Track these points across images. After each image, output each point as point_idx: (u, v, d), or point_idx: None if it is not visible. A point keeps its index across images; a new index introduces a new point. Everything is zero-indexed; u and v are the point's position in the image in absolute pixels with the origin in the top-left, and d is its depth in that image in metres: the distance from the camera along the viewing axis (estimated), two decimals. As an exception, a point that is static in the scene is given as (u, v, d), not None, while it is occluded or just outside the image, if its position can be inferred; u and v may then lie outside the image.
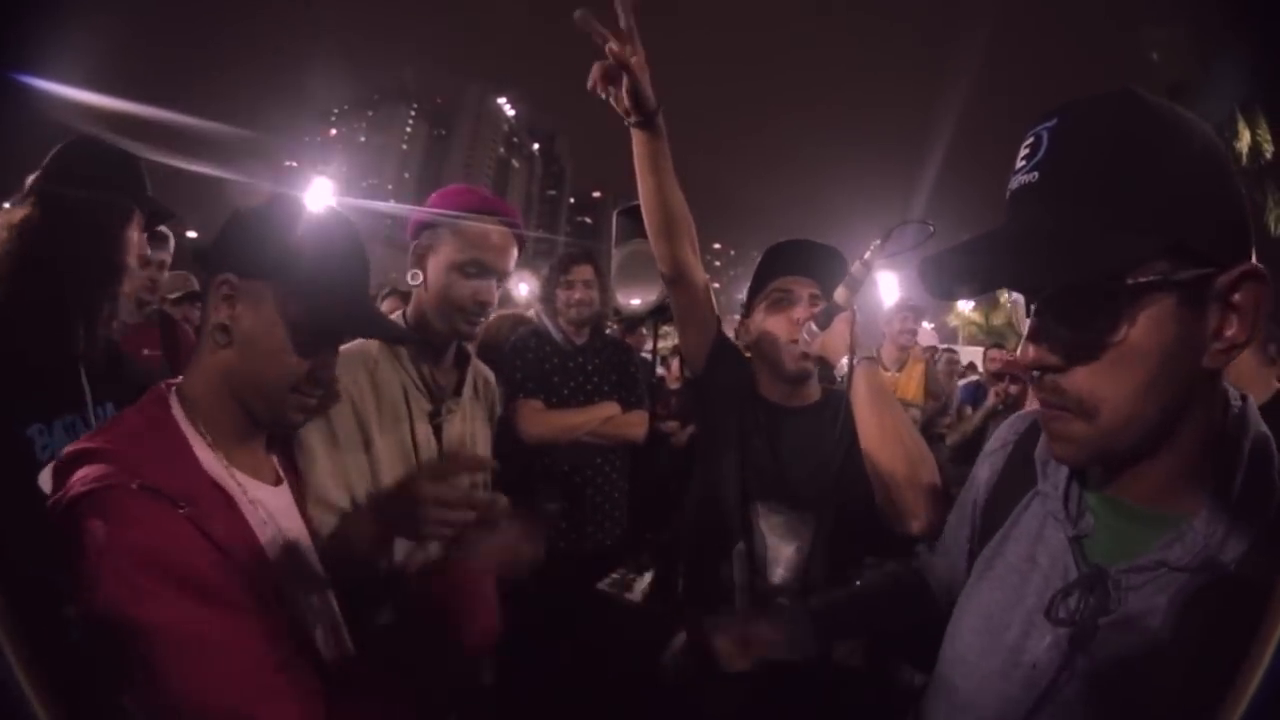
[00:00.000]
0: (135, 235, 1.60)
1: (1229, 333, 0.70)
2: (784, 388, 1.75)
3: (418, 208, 1.71)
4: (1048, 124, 0.75)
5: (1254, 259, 0.71)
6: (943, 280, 0.75)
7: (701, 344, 1.80)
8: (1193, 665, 0.71)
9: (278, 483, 1.19)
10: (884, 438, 1.47)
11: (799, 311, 1.66)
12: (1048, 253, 0.71)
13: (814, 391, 1.76)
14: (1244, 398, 0.79)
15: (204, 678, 0.84)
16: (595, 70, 1.39)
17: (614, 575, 2.83)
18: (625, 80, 1.40)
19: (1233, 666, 0.68)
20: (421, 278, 1.67)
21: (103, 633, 0.83)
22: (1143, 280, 0.68)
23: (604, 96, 1.44)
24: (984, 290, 0.83)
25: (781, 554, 1.64)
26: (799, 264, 1.74)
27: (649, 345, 4.80)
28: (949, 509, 1.20)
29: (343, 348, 1.77)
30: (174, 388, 1.10)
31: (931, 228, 1.35)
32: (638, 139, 1.52)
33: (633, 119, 1.48)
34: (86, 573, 0.83)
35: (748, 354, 1.84)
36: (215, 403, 1.08)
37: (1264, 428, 0.76)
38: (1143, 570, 0.76)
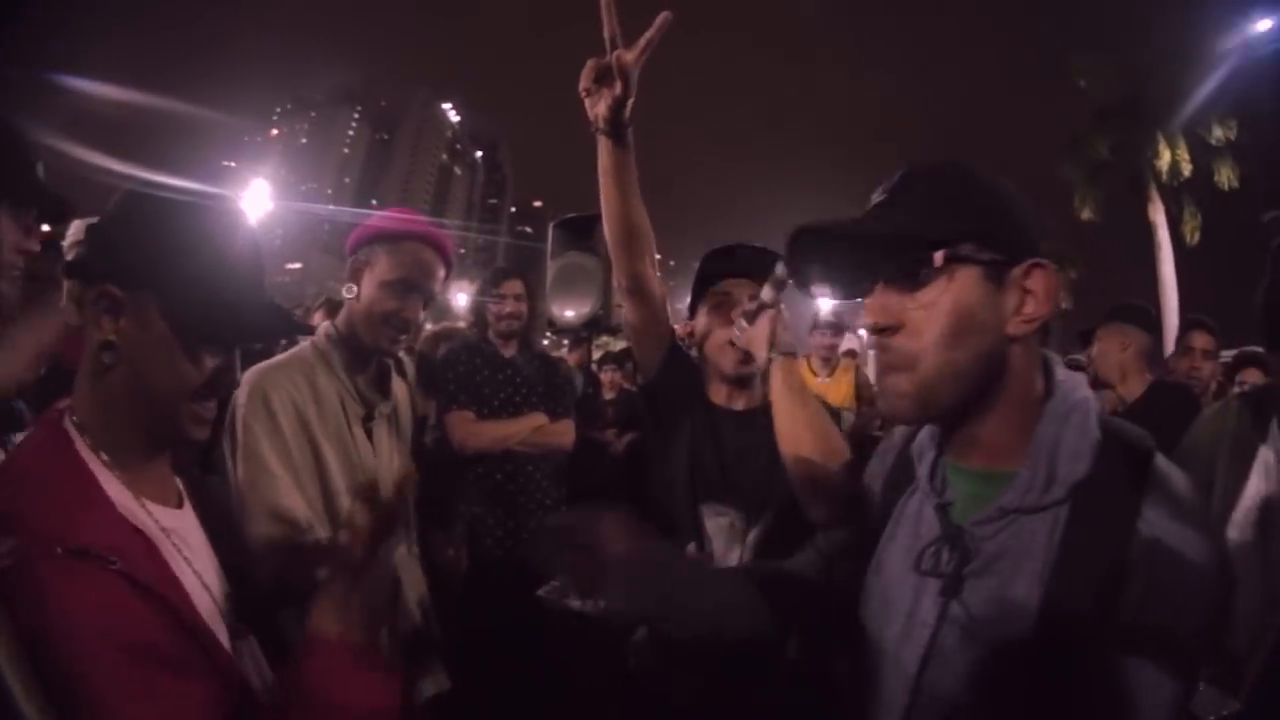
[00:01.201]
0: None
1: (1028, 310, 0.90)
2: (729, 391, 1.79)
3: (359, 212, 1.76)
4: (902, 171, 0.99)
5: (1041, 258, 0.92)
6: (798, 267, 1.02)
7: (657, 353, 1.81)
8: (1042, 592, 0.85)
9: (180, 504, 1.11)
10: (795, 429, 1.50)
11: (739, 312, 1.65)
12: (881, 240, 0.95)
13: (758, 395, 1.78)
14: (1070, 373, 0.97)
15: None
16: (591, 65, 1.39)
17: (553, 582, 2.84)
18: (616, 87, 1.38)
19: (1077, 588, 0.84)
20: (356, 291, 1.73)
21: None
22: (950, 255, 0.89)
23: (584, 95, 1.42)
24: (833, 282, 1.04)
25: (728, 555, 1.66)
26: (739, 266, 1.77)
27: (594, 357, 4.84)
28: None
29: (280, 356, 1.81)
30: (67, 413, 1.01)
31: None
32: (605, 149, 1.49)
33: (604, 128, 1.45)
34: (30, 652, 0.77)
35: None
36: (112, 425, 1.00)
37: (1085, 394, 0.94)
38: (989, 521, 0.92)
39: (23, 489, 0.90)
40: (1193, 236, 18.80)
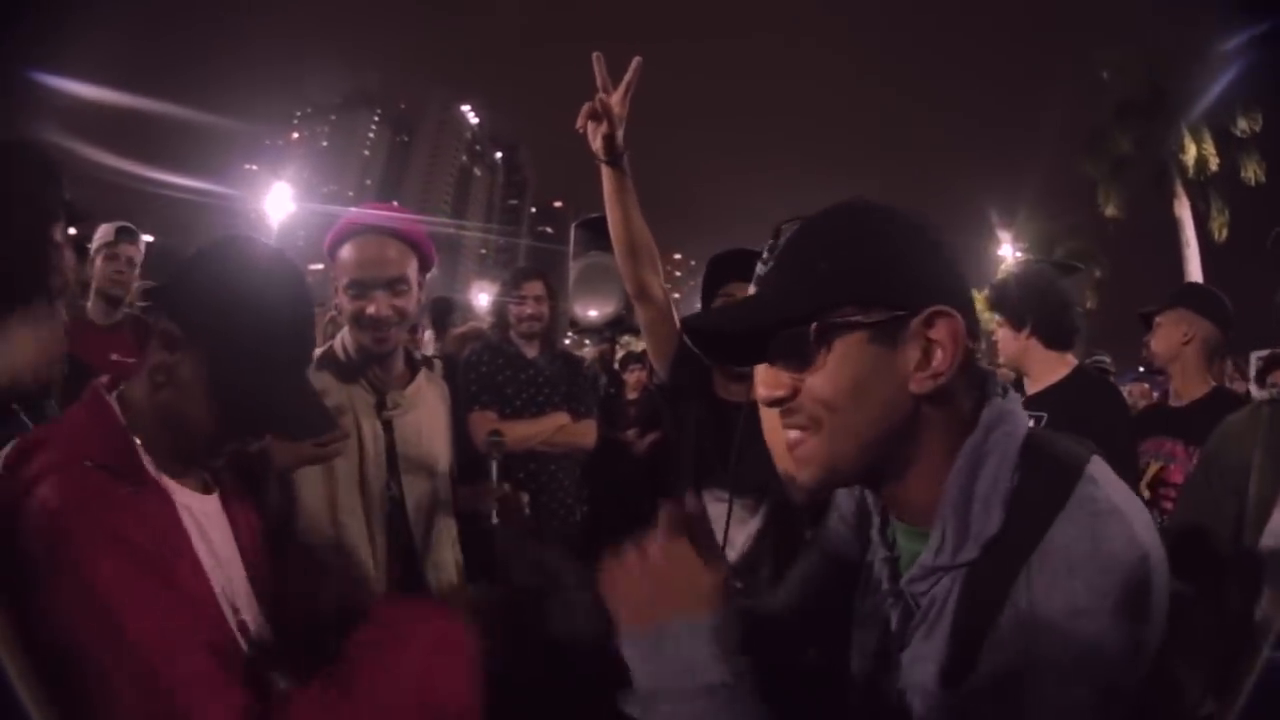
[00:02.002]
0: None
1: (934, 363, 0.82)
2: (736, 386, 1.84)
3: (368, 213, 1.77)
4: (788, 232, 0.98)
5: (949, 304, 0.83)
6: (700, 346, 1.00)
7: (666, 352, 1.91)
8: (946, 656, 0.82)
9: (207, 491, 1.16)
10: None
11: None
12: (757, 312, 0.93)
13: None
14: (999, 403, 0.88)
15: (165, 645, 0.87)
16: (584, 109, 1.64)
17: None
18: (604, 125, 1.64)
19: (967, 656, 0.80)
20: (340, 308, 1.76)
21: (66, 608, 0.84)
22: (829, 323, 0.83)
23: (582, 132, 1.67)
24: (725, 357, 1.04)
25: (734, 539, 1.72)
26: (744, 270, 1.79)
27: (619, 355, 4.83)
28: None
29: None
30: (115, 392, 1.08)
31: None
32: (606, 175, 1.73)
33: (603, 157, 1.69)
34: (50, 549, 0.85)
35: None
36: (147, 425, 1.06)
37: (1004, 430, 0.85)
38: (919, 579, 0.87)
39: (63, 428, 1.03)
40: (1221, 233, 18.51)
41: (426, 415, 1.87)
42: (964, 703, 0.79)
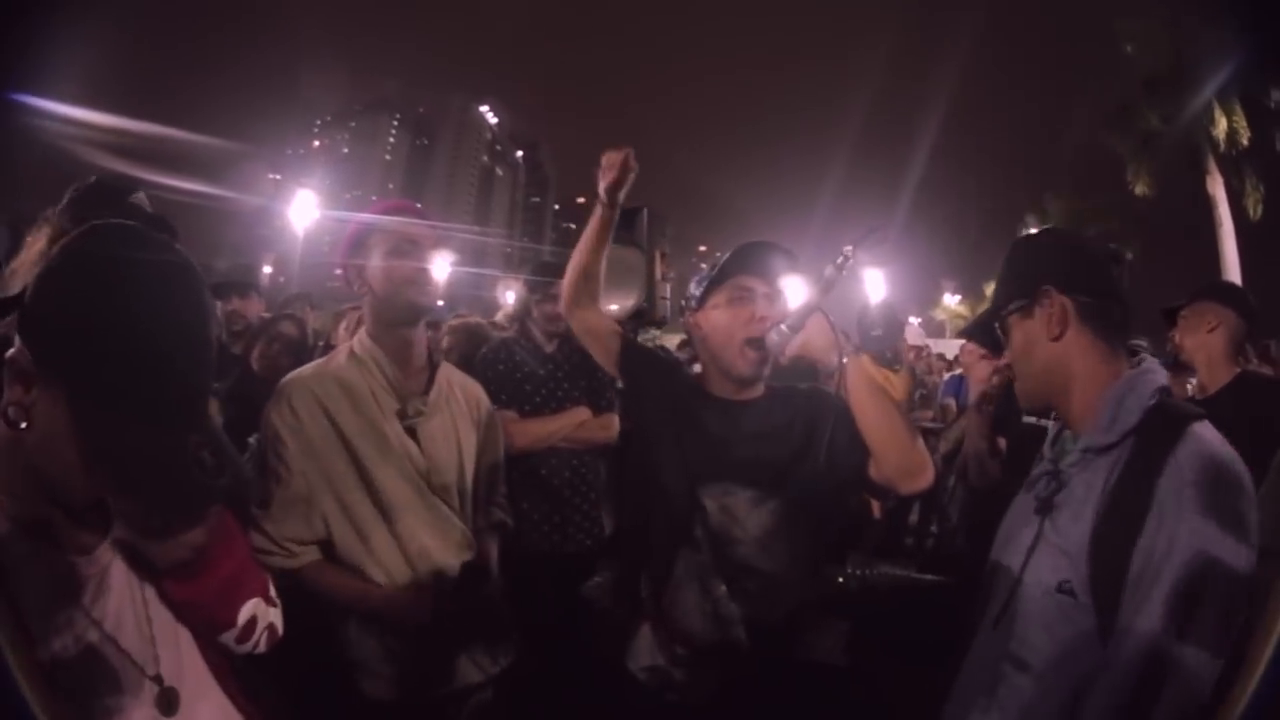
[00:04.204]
0: None
1: (1053, 322, 1.36)
2: (732, 385, 1.82)
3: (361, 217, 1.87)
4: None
5: (1055, 285, 1.38)
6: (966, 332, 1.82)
7: (609, 359, 1.98)
8: (1092, 525, 1.22)
9: (100, 542, 0.95)
10: (887, 416, 1.61)
11: (759, 310, 1.75)
12: (978, 319, 1.70)
13: (760, 387, 1.84)
14: (1152, 361, 1.37)
15: None
16: (621, 159, 1.79)
17: (597, 579, 2.86)
18: (626, 178, 1.81)
19: (1124, 512, 1.18)
20: (367, 289, 1.82)
21: None
22: (1008, 311, 1.45)
23: (603, 171, 1.81)
24: (975, 334, 2.11)
25: (746, 532, 1.71)
26: (762, 265, 1.80)
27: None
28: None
29: (315, 362, 1.90)
30: None
31: (884, 234, 1.94)
32: (596, 216, 1.89)
33: (604, 199, 1.84)
34: None
35: (681, 348, 1.98)
36: (9, 477, 0.87)
37: (1152, 374, 1.32)
38: (1074, 461, 1.33)
39: None
40: (1256, 210, 18.04)
41: (451, 416, 1.90)
42: (1102, 551, 1.19)
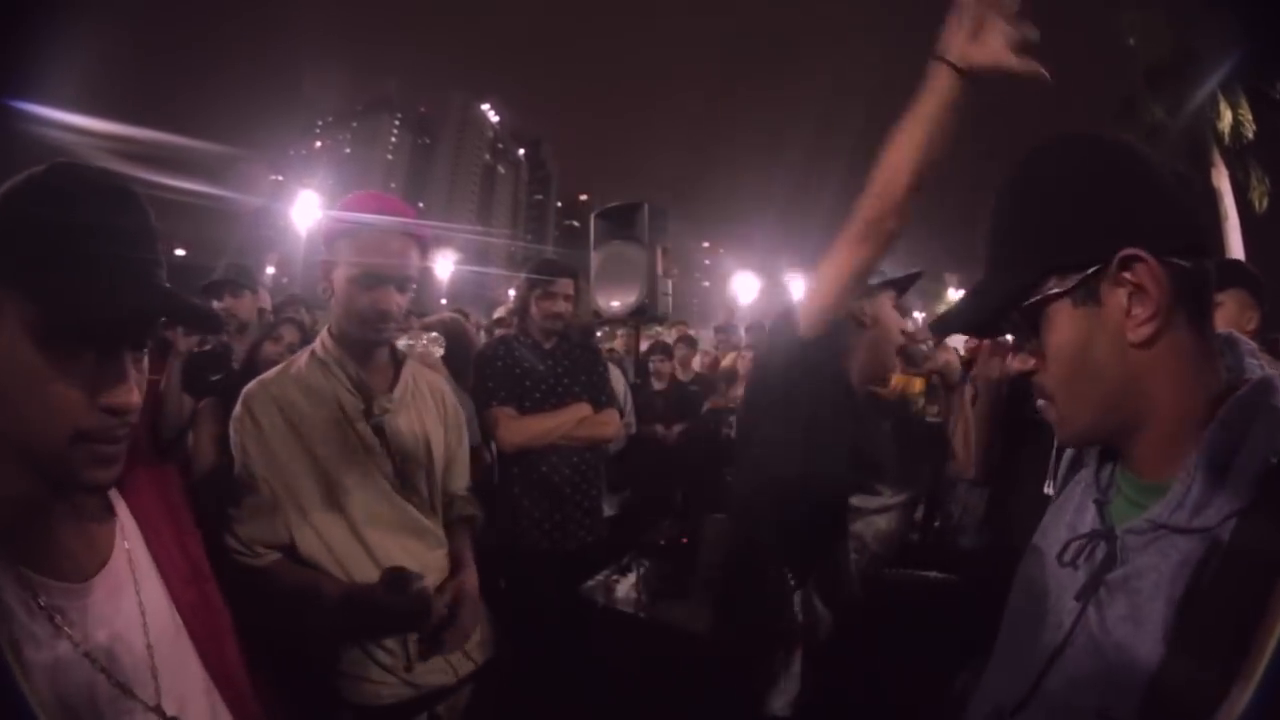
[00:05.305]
0: None
1: (1137, 310, 0.79)
2: (874, 382, 1.88)
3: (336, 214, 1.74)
4: (992, 207, 0.95)
5: (1144, 245, 0.79)
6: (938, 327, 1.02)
7: None
8: (1174, 624, 0.74)
9: (102, 565, 0.91)
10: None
11: (907, 323, 1.85)
12: (980, 308, 0.94)
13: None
14: (1265, 367, 0.83)
15: None
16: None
17: (599, 577, 2.86)
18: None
19: (1216, 635, 0.70)
20: (329, 290, 1.73)
21: None
22: (1034, 300, 0.85)
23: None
24: (958, 331, 1.06)
25: (880, 528, 1.78)
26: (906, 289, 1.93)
27: (641, 347, 4.77)
28: None
29: (278, 366, 1.83)
30: None
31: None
32: (941, 92, 1.34)
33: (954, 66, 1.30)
34: None
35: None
36: None
37: (1275, 408, 0.76)
38: (1140, 532, 0.82)
39: None
40: (1261, 203, 17.93)
41: (418, 413, 1.87)
42: (1177, 687, 0.72)
